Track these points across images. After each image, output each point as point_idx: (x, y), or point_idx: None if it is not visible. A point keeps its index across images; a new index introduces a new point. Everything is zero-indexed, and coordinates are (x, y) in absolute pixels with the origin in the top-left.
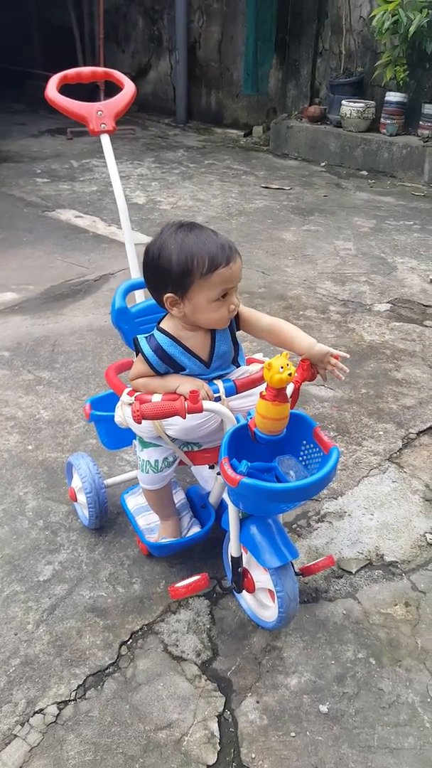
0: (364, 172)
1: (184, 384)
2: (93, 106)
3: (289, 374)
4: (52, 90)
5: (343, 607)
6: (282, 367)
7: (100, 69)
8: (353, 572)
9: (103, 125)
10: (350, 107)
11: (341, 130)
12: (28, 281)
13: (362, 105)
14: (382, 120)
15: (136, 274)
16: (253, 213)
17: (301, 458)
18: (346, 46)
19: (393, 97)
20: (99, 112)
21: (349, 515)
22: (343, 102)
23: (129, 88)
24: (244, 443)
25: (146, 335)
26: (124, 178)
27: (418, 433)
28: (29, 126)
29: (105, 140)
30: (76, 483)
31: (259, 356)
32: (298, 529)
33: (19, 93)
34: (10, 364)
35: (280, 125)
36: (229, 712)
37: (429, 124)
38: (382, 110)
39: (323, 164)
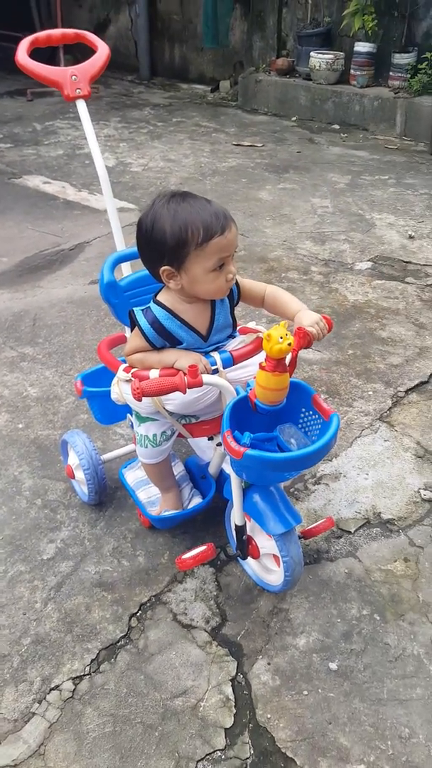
0: (336, 126)
1: (181, 358)
2: (66, 70)
3: (289, 344)
4: (22, 54)
5: (344, 566)
6: (281, 338)
7: (71, 31)
8: (352, 531)
9: (78, 90)
10: (319, 59)
11: (311, 83)
12: (0, 253)
13: (331, 56)
14: (351, 71)
15: (121, 245)
16: (226, 172)
17: (300, 425)
18: None
19: (362, 47)
20: (73, 77)
21: (345, 476)
22: (312, 54)
23: (103, 50)
24: (243, 414)
25: (142, 308)
26: None
27: (406, 391)
28: None
29: (81, 106)
30: (73, 460)
31: (252, 325)
32: (296, 492)
33: None
34: None
35: (248, 79)
36: (242, 676)
37: (399, 74)
38: (352, 61)
39: (294, 119)
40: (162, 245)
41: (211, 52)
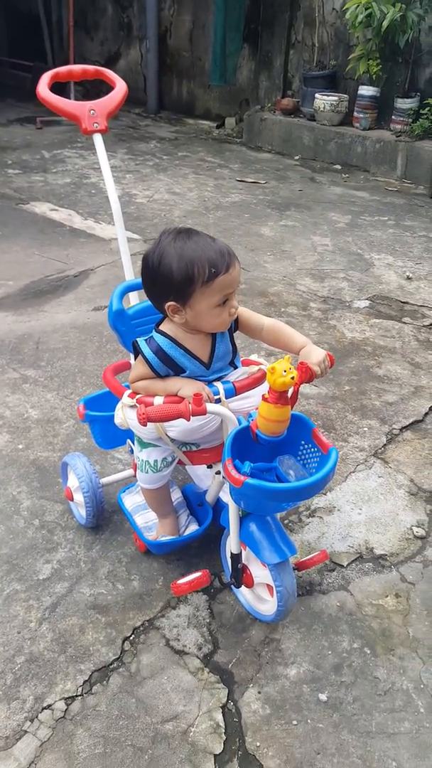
0: (338, 166)
1: (185, 386)
2: (85, 105)
3: (292, 378)
4: (43, 88)
5: (336, 599)
6: (285, 371)
7: (91, 67)
8: (345, 565)
9: (95, 125)
10: (324, 100)
11: (315, 124)
12: (6, 277)
13: (335, 98)
14: (355, 114)
15: (130, 275)
16: (229, 207)
17: (299, 458)
18: (318, 39)
19: (366, 90)
20: (91, 112)
21: (339, 510)
22: (317, 95)
23: (121, 87)
24: (244, 444)
25: (146, 338)
26: (97, 170)
27: (401, 429)
28: None
29: (98, 140)
30: (73, 483)
31: (254, 357)
32: (290, 524)
33: None
34: None
35: (253, 117)
36: (232, 703)
37: (401, 118)
38: (355, 104)
39: (297, 157)
40: (168, 282)
41: (217, 89)
